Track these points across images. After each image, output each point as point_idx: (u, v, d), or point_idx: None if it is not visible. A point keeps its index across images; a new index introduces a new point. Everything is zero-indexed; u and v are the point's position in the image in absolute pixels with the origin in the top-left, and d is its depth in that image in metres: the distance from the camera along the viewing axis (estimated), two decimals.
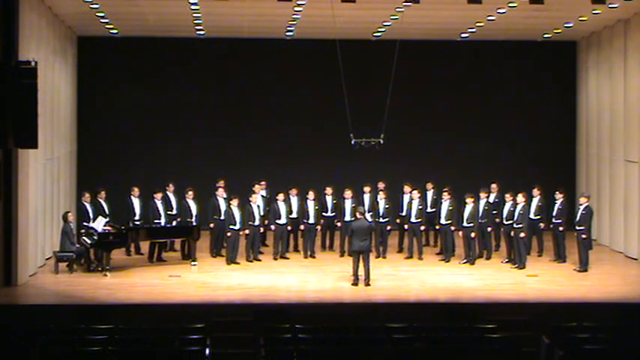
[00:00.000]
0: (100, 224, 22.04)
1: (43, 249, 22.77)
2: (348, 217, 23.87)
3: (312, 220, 24.00)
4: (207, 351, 15.29)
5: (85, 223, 22.72)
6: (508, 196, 23.07)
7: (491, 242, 24.02)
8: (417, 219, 23.76)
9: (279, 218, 23.81)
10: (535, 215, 23.62)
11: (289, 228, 24.13)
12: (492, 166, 27.85)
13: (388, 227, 24.01)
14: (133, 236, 22.64)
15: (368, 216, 22.49)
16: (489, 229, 23.72)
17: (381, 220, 23.79)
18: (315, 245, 24.22)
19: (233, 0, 21.95)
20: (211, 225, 23.76)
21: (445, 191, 23.63)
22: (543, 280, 21.42)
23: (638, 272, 22.70)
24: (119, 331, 16.06)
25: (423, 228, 23.98)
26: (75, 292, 20.03)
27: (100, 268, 21.84)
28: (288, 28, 25.90)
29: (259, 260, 23.47)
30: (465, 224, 23.03)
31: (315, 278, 21.69)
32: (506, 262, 23.17)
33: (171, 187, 24.22)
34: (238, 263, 22.99)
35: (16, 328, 16.61)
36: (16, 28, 20.21)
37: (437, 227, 24.20)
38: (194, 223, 23.42)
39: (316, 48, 27.14)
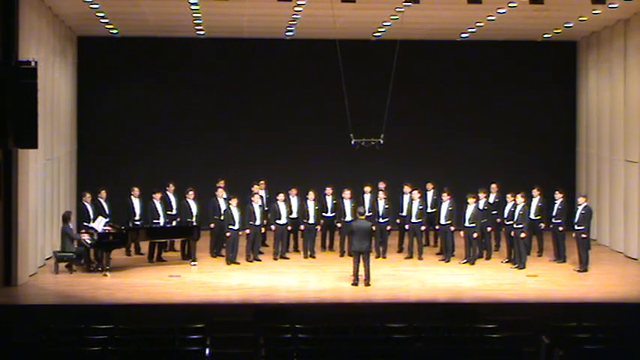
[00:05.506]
0: (100, 224, 22.04)
1: (43, 249, 22.77)
2: (348, 217, 23.89)
3: (312, 220, 24.00)
4: (207, 351, 15.31)
5: (85, 223, 22.73)
6: (509, 197, 23.08)
7: (491, 242, 24.03)
8: (417, 219, 23.75)
9: (279, 218, 23.81)
10: (535, 215, 23.63)
11: (289, 228, 24.13)
12: (492, 166, 27.85)
13: (388, 227, 24.01)
14: (133, 236, 22.62)
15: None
16: (489, 229, 23.73)
17: (381, 220, 23.80)
18: (315, 245, 24.22)
19: (233, 0, 21.96)
20: (212, 225, 23.76)
21: (445, 191, 23.64)
22: (543, 280, 21.42)
23: (638, 272, 22.70)
24: (119, 331, 16.07)
25: (423, 228, 23.99)
26: (75, 292, 20.03)
27: (100, 268, 21.84)
28: (288, 28, 25.91)
29: (259, 260, 23.47)
30: (467, 224, 23.03)
31: (315, 278, 21.69)
32: (506, 262, 23.17)
33: (171, 187, 24.22)
34: (238, 263, 22.99)
35: (16, 328, 16.61)
36: (16, 28, 20.21)
37: (437, 227, 24.20)
38: (194, 223, 23.41)
39: (316, 48, 27.14)
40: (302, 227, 24.21)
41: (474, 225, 23.00)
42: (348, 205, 24.11)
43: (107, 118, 28.01)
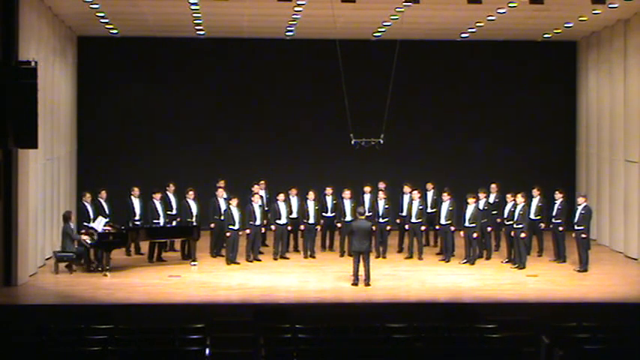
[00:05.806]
0: (100, 224, 22.04)
1: (43, 249, 22.76)
2: (348, 217, 23.89)
3: (312, 220, 24.00)
4: (207, 351, 15.30)
5: (85, 223, 22.73)
6: (509, 197, 23.08)
7: (491, 242, 24.03)
8: (417, 219, 23.75)
9: (279, 218, 23.80)
10: (535, 215, 23.62)
11: (289, 228, 24.13)
12: (492, 166, 27.84)
13: (388, 227, 24.01)
14: (133, 236, 22.62)
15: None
16: (489, 229, 23.73)
17: (381, 220, 23.79)
18: (315, 245, 24.22)
19: (233, 0, 21.96)
20: (212, 225, 23.76)
21: (445, 191, 23.64)
22: (543, 280, 21.42)
23: (638, 272, 22.70)
24: (119, 331, 16.06)
25: (423, 228, 23.99)
26: (75, 292, 20.03)
27: (100, 268, 21.85)
28: (288, 28, 25.91)
29: (259, 260, 23.46)
30: (467, 224, 23.03)
31: (315, 278, 21.69)
32: (506, 262, 23.17)
33: (171, 187, 24.21)
34: (238, 263, 22.99)
35: (16, 328, 16.61)
36: (16, 28, 20.21)
37: (437, 227, 24.19)
38: (194, 223, 23.40)
39: (316, 48, 27.13)
40: (302, 227, 24.21)
41: (474, 225, 23.00)
42: (348, 205, 24.11)
43: (107, 118, 28.01)
